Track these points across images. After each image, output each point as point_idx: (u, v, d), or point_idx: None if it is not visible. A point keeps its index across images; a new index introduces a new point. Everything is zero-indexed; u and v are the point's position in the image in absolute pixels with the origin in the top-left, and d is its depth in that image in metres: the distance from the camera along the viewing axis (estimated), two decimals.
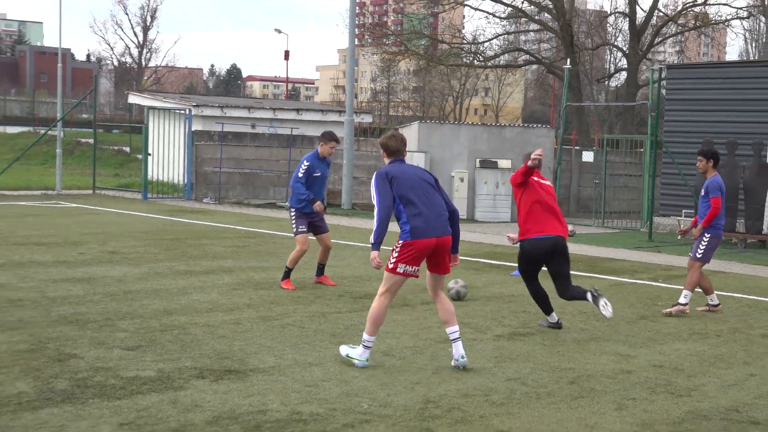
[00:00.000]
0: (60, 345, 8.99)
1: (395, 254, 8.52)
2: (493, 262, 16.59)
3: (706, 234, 12.32)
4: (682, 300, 12.07)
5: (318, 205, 12.82)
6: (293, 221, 13.09)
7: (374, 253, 8.53)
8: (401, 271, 8.50)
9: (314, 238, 13.33)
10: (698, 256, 12.31)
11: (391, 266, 8.54)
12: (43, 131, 38.96)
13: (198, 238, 18.79)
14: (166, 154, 32.28)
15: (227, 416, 6.92)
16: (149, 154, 31.53)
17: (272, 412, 7.06)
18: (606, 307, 9.99)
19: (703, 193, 12.63)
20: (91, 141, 38.65)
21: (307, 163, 12.88)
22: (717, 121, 24.62)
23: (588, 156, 29.23)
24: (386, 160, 8.97)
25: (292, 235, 13.22)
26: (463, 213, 25.90)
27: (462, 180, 26.06)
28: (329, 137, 13.17)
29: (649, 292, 13.89)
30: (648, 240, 21.72)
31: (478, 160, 26.30)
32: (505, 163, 26.20)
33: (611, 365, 9.00)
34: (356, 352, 8.62)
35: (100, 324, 10.03)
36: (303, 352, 9.07)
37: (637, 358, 9.36)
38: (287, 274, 13.06)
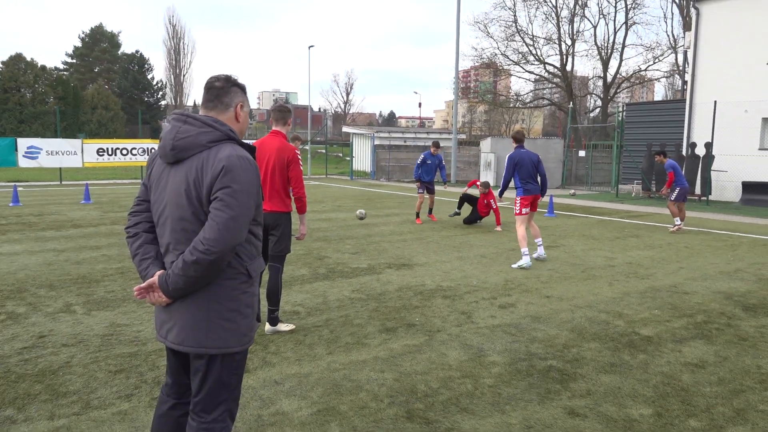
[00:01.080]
0: (318, 251, 9.19)
1: (518, 205, 8.58)
2: None
3: (675, 188, 12.09)
4: (678, 222, 12.04)
5: (418, 183, 12.83)
6: (418, 186, 12.95)
7: (498, 199, 9.32)
8: (523, 212, 8.54)
9: (428, 196, 13.07)
10: (672, 198, 12.11)
11: (517, 211, 8.54)
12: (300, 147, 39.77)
13: (380, 198, 18.91)
14: (361, 156, 32.56)
15: (405, 287, 6.95)
16: (353, 157, 31.86)
17: (427, 285, 7.07)
18: None
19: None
20: (323, 150, 39.17)
21: (422, 156, 12.81)
22: (653, 133, 23.39)
23: (582, 153, 28.01)
24: (514, 146, 8.79)
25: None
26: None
27: None
28: (434, 144, 12.91)
29: (620, 224, 13.27)
30: (615, 197, 20.74)
31: None
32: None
33: (603, 262, 8.66)
34: (521, 261, 8.16)
35: (336, 241, 10.20)
36: (440, 256, 9.03)
37: (617, 258, 8.97)
38: (417, 216, 12.99)
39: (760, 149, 18.80)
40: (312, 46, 36.97)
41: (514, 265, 8.24)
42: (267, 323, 5.24)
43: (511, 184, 8.82)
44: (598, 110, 47.58)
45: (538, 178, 8.71)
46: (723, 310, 6.15)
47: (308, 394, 3.99)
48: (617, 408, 3.84)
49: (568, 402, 3.92)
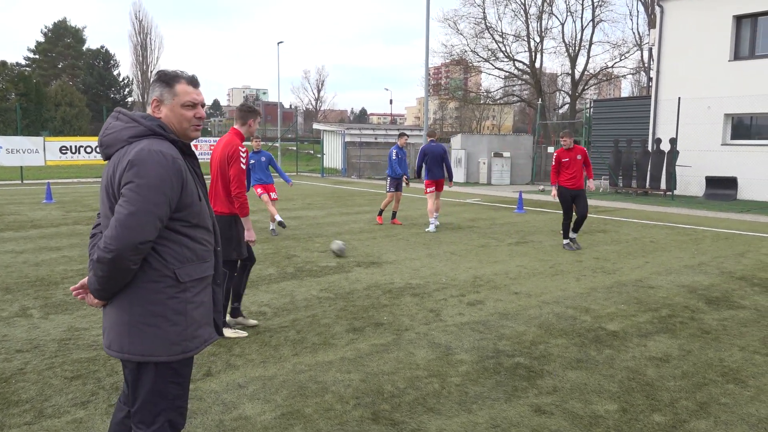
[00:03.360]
0: (287, 250, 9.07)
1: (425, 185, 11.31)
2: (503, 205, 16.23)
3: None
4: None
5: (403, 181, 11.96)
6: (388, 183, 12.04)
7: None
8: (429, 191, 11.25)
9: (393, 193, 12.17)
10: None
11: (425, 191, 11.30)
12: (270, 144, 39.29)
13: (350, 196, 18.81)
14: (332, 153, 32.39)
15: (374, 285, 6.89)
16: (324, 154, 31.65)
17: (396, 283, 7.02)
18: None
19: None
20: (294, 148, 38.86)
21: (396, 151, 11.86)
22: (620, 129, 23.74)
23: (551, 149, 28.25)
24: (428, 140, 11.52)
25: (385, 190, 12.78)
26: (484, 180, 25.46)
27: (483, 163, 25.47)
28: (402, 134, 11.92)
29: (587, 220, 13.34)
30: None
31: (492, 152, 25.63)
32: (506, 154, 25.47)
33: (571, 258, 8.71)
34: (429, 227, 11.05)
35: (306, 239, 10.09)
36: (409, 253, 8.98)
37: (584, 253, 9.04)
38: (380, 213, 12.23)
39: (722, 144, 19.23)
40: (281, 42, 36.79)
41: (426, 229, 10.96)
42: None
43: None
44: (566, 107, 48.17)
45: (444, 167, 11.21)
46: (687, 304, 6.23)
47: (272, 397, 3.90)
48: (583, 404, 3.84)
49: (534, 399, 3.90)
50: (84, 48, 66.50)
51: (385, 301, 6.22)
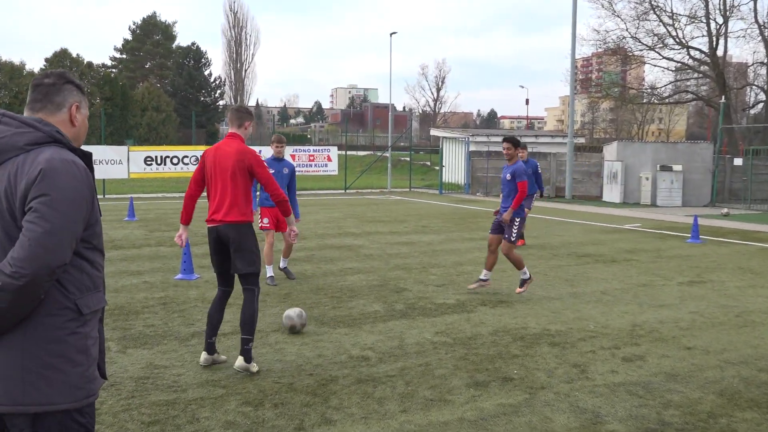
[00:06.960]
0: (396, 282, 9.19)
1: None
2: (672, 233, 15.44)
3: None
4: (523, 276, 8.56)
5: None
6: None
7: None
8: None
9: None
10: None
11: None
12: (379, 154, 40.17)
13: (474, 217, 18.72)
14: (453, 165, 32.51)
15: (502, 330, 6.82)
16: (443, 166, 31.87)
17: (530, 328, 6.90)
18: None
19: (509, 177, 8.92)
20: (408, 159, 39.44)
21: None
22: None
23: (738, 161, 26.66)
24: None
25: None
26: (647, 200, 24.43)
27: (647, 179, 24.50)
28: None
29: None
30: None
31: (658, 165, 24.57)
32: (677, 167, 24.34)
33: (767, 304, 8.12)
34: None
35: (419, 270, 10.17)
36: (548, 291, 8.80)
37: None
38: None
39: None
40: (394, 33, 37.51)
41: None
42: (240, 356, 5.43)
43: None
44: (760, 106, 45.23)
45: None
46: None
47: None
48: None
49: None
50: (174, 45, 71.97)
51: (516, 350, 6.12)
